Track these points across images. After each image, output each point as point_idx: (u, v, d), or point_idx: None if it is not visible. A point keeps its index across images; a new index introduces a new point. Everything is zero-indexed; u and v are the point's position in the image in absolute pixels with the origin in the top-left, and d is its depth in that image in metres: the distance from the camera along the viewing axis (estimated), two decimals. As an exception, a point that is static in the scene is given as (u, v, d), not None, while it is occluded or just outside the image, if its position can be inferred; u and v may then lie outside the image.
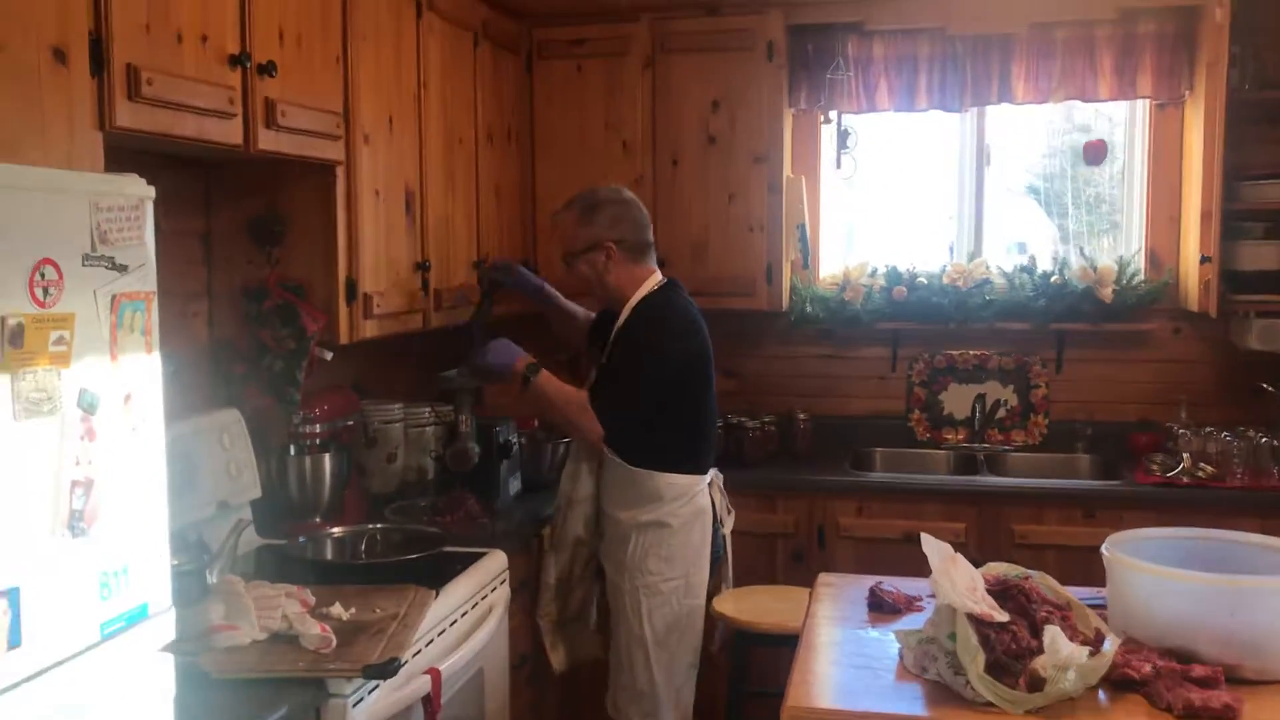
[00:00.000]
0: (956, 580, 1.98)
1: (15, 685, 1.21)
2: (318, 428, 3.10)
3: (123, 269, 1.40)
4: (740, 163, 4.03)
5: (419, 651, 2.32)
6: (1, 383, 1.22)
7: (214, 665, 1.99)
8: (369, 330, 2.99)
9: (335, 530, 2.81)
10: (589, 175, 3.87)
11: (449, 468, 3.26)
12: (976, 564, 2.18)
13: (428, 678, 2.27)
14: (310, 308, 2.87)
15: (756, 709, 3.26)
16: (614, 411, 3.01)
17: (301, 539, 2.72)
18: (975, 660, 1.88)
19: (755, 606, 3.11)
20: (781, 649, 3.08)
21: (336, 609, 2.27)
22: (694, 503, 3.11)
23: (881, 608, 2.39)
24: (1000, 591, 2.04)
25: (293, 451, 3.12)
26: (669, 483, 3.06)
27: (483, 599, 2.70)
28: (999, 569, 2.16)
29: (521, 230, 4.16)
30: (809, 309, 4.23)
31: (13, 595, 1.21)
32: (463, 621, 2.58)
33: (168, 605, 1.49)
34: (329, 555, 2.76)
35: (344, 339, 2.91)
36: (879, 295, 4.22)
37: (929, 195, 4.41)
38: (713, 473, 3.23)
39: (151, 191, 1.48)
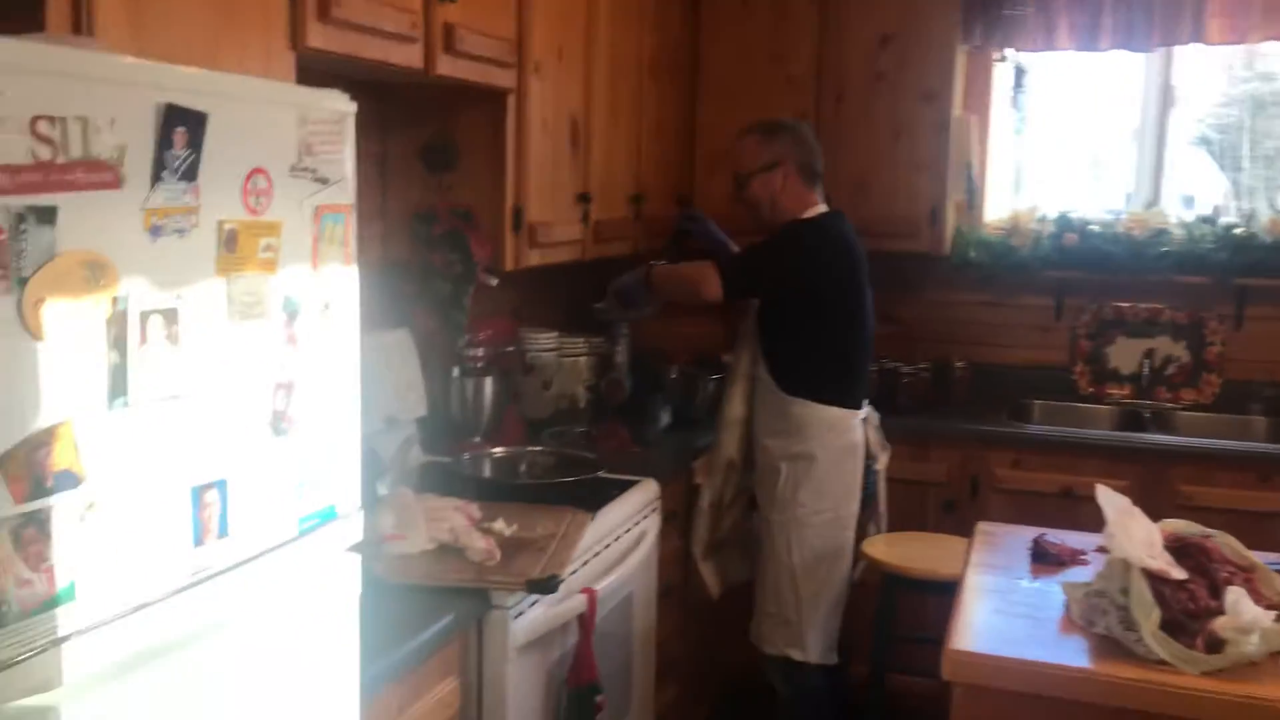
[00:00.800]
0: (1133, 534, 1.91)
1: (223, 572, 1.28)
2: (480, 352, 3.17)
3: (324, 181, 1.45)
4: (908, 100, 3.92)
5: (576, 571, 2.36)
6: (218, 286, 1.27)
7: (386, 571, 2.07)
8: (533, 259, 3.04)
9: (496, 451, 2.89)
10: (751, 111, 3.80)
11: (603, 398, 3.30)
12: (1149, 520, 2.10)
13: (584, 597, 2.32)
14: (478, 234, 2.93)
15: (903, 654, 3.25)
16: (734, 275, 3.05)
17: (465, 456, 2.80)
18: (1150, 617, 1.83)
19: (906, 551, 3.08)
20: (930, 596, 3.07)
21: (500, 525, 2.33)
22: (846, 437, 3.10)
23: (1045, 559, 2.33)
24: (1178, 549, 1.97)
25: (457, 373, 3.20)
26: (820, 414, 3.07)
27: (635, 525, 2.74)
28: (1177, 525, 2.08)
29: (680, 167, 4.14)
30: (972, 254, 4.12)
31: (221, 487, 1.28)
32: (616, 546, 2.63)
33: (356, 507, 1.55)
34: (491, 474, 2.84)
35: (509, 265, 2.95)
36: (1047, 242, 4.07)
37: (1104, 139, 4.21)
38: (868, 409, 3.22)
39: (353, 107, 1.52)
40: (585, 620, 2.31)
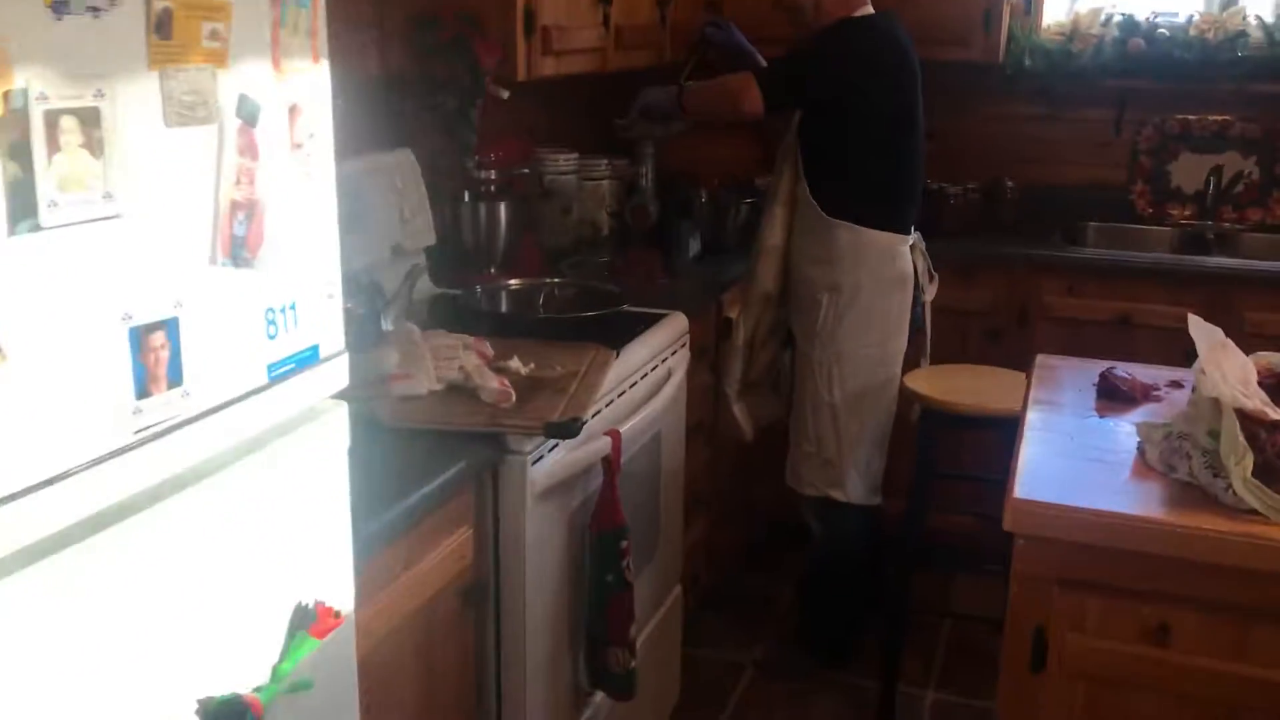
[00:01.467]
0: (1227, 371, 1.69)
1: (177, 427, 1.08)
2: (493, 175, 2.92)
3: (283, -46, 1.19)
4: (963, -112, 3.52)
5: (599, 412, 2.18)
6: (149, 81, 1.03)
7: (389, 414, 1.89)
8: (548, 68, 2.75)
9: (512, 283, 2.67)
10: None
11: (627, 225, 3.05)
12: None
13: (608, 439, 2.13)
14: (485, 40, 2.64)
15: (948, 490, 3.09)
16: (773, 83, 2.81)
17: (478, 289, 2.58)
18: (1242, 462, 1.62)
19: (951, 385, 2.88)
20: (974, 431, 2.88)
21: (515, 363, 2.14)
22: (894, 265, 2.87)
23: (1114, 396, 2.12)
24: (1275, 385, 1.75)
25: (467, 198, 2.96)
26: (868, 240, 2.84)
27: (663, 362, 2.54)
28: (1271, 359, 1.85)
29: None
30: (1027, 61, 3.77)
31: (171, 327, 1.07)
32: (642, 384, 2.43)
33: (340, 349, 1.35)
34: (506, 308, 2.63)
35: (521, 75, 2.68)
36: (1111, 47, 3.72)
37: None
38: (915, 235, 2.96)
39: None
40: (610, 463, 2.13)
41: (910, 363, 3.01)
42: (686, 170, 3.72)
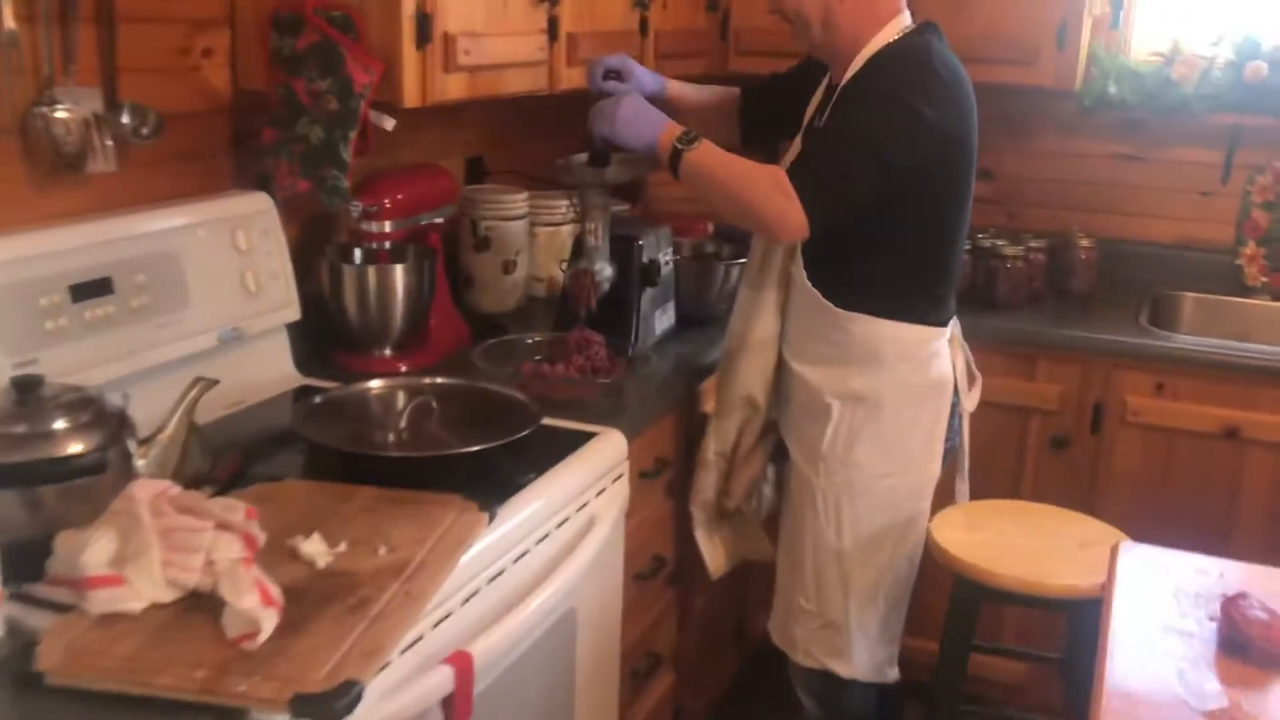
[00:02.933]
0: None
1: None
2: (388, 226, 2.19)
3: None
4: None
5: (446, 618, 1.44)
6: None
7: (58, 661, 1.17)
8: (452, 89, 2.02)
9: (374, 385, 1.91)
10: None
11: (567, 298, 2.31)
12: None
13: (450, 671, 1.39)
14: (360, 50, 1.91)
15: (985, 667, 2.31)
16: (829, 189, 1.91)
17: (318, 398, 1.84)
18: None
19: (996, 539, 2.10)
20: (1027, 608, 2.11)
21: (313, 544, 1.41)
22: (929, 368, 2.11)
23: (1243, 651, 1.33)
24: None
25: (359, 258, 2.24)
26: (894, 335, 2.07)
27: (579, 509, 1.79)
28: None
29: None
30: (1112, 89, 2.97)
31: None
32: (539, 550, 1.69)
33: None
34: (348, 427, 1.82)
35: (410, 100, 1.95)
36: (1221, 75, 2.90)
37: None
38: (953, 324, 2.18)
39: None
40: (453, 704, 1.40)
41: (942, 491, 2.23)
42: (660, 210, 2.98)
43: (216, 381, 1.58)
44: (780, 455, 2.29)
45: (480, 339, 2.36)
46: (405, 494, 1.58)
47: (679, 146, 1.97)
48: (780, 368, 2.21)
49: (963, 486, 2.31)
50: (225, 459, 1.68)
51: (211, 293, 1.91)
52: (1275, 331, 2.94)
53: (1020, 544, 2.06)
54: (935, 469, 2.17)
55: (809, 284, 2.08)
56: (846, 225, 1.97)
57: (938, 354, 2.12)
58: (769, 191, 1.90)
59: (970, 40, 2.78)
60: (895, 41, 2.01)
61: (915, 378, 2.09)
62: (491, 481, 1.66)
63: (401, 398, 1.86)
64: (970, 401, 2.24)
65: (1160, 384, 2.62)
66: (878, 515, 2.13)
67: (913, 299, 2.07)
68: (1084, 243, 2.98)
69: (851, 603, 2.16)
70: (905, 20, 2.06)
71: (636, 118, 2.02)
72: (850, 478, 2.12)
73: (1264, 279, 3.02)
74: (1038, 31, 2.80)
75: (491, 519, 1.55)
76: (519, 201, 2.64)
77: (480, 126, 2.81)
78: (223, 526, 1.32)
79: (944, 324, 2.13)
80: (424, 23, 1.92)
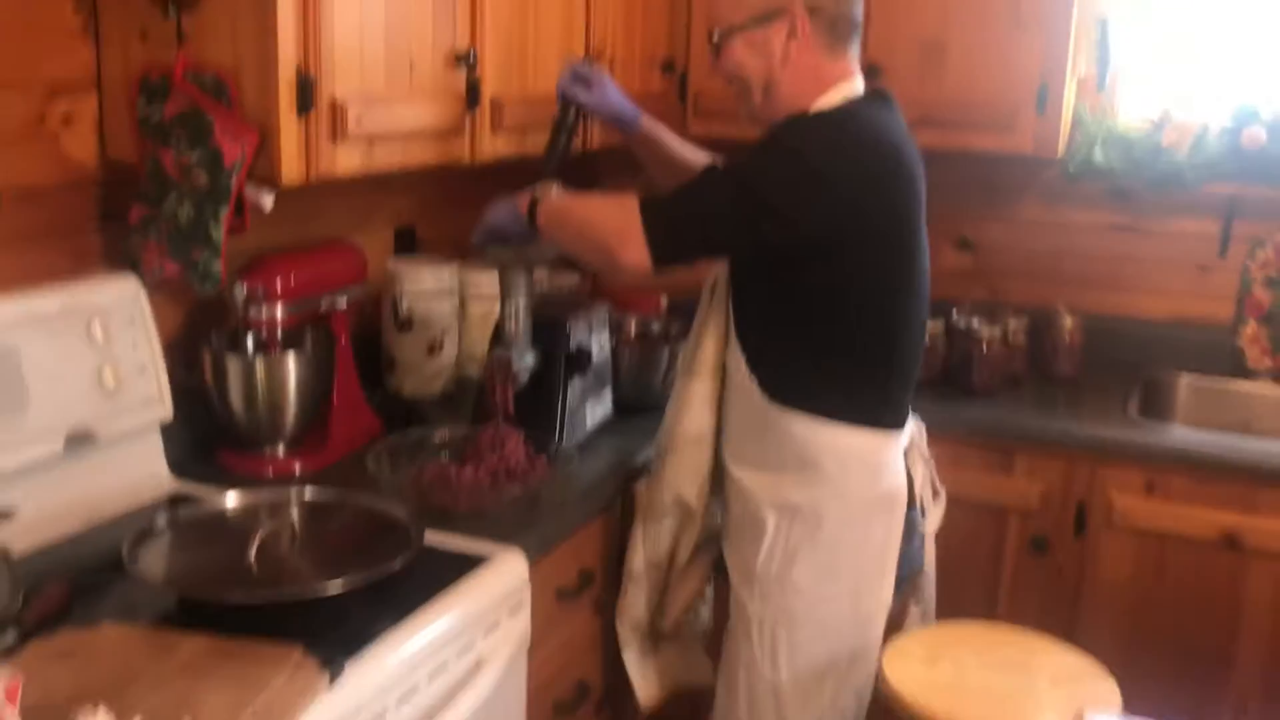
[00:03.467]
0: None
1: None
2: (280, 310, 1.97)
3: None
4: (1012, -85, 2.53)
5: (266, 811, 1.19)
6: None
7: None
8: (344, 162, 1.80)
9: (232, 502, 1.66)
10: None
11: (484, 390, 2.07)
12: None
13: None
14: (231, 118, 1.70)
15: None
16: (679, 223, 1.74)
17: (167, 518, 1.59)
18: None
19: (952, 679, 1.82)
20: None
21: (96, 718, 1.16)
22: (878, 479, 1.86)
23: None
24: None
25: (249, 346, 2.01)
26: (836, 441, 1.82)
27: (462, 654, 1.54)
28: None
29: (670, 15, 2.81)
30: (1099, 156, 2.74)
31: None
32: (402, 713, 1.43)
33: None
34: (192, 555, 1.55)
35: (290, 176, 1.72)
36: (1217, 142, 2.67)
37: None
38: (912, 425, 1.94)
39: None
40: None
41: (898, 618, 1.98)
42: (608, 287, 2.75)
43: (11, 512, 1.34)
44: (722, 571, 2.04)
45: (395, 429, 2.13)
46: (238, 646, 1.34)
47: (534, 198, 1.88)
48: (720, 470, 1.97)
49: (921, 617, 2.06)
50: (44, 595, 1.44)
51: (57, 392, 1.68)
52: (1275, 419, 2.69)
53: (983, 682, 1.79)
54: (886, 597, 1.91)
55: (746, 372, 1.85)
56: (773, 309, 1.79)
57: (889, 464, 1.86)
58: (613, 216, 1.78)
59: (943, 104, 2.60)
60: (821, 111, 1.79)
61: (861, 490, 1.84)
62: (348, 627, 1.41)
63: (263, 518, 1.61)
64: (933, 521, 1.99)
65: (1151, 482, 2.37)
66: (818, 646, 1.88)
67: (858, 398, 1.83)
68: (1069, 321, 2.73)
69: None
70: (855, 88, 1.85)
71: (502, 202, 1.94)
72: (788, 603, 1.87)
73: (1268, 361, 2.77)
74: (1016, 95, 2.58)
75: (334, 679, 1.30)
76: (446, 276, 2.42)
77: (412, 193, 2.60)
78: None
79: (897, 428, 1.88)
80: (306, 86, 1.70)
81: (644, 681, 2.08)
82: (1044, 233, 2.95)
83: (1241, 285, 2.80)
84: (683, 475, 1.96)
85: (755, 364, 1.85)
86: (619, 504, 2.11)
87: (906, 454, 1.91)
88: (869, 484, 1.84)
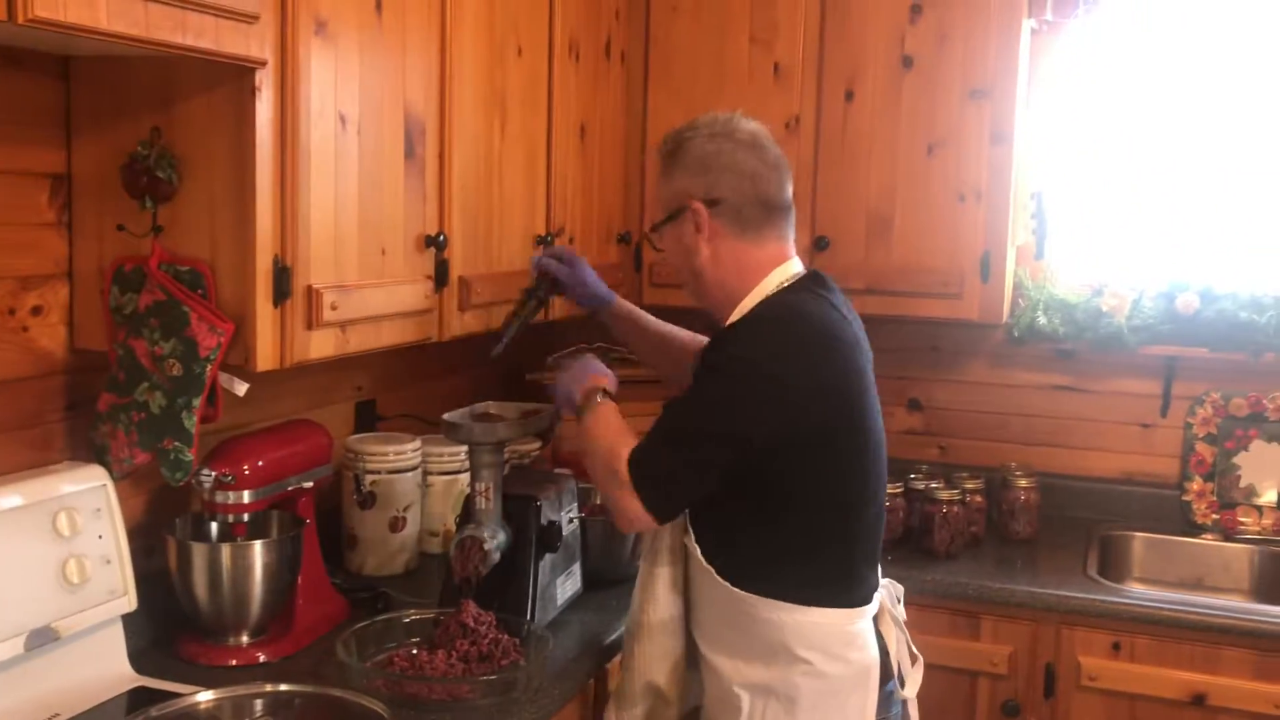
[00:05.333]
0: None
1: None
2: (246, 496, 1.93)
3: None
4: (950, 98, 2.67)
5: None
6: None
7: None
8: (318, 347, 1.81)
9: (204, 699, 1.61)
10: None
11: (450, 572, 2.04)
12: None
13: None
14: (208, 309, 1.70)
15: None
16: (673, 479, 1.75)
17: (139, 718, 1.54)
18: None
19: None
20: None
21: None
22: (848, 655, 1.83)
23: None
24: None
25: (215, 531, 1.97)
26: (802, 621, 1.80)
27: None
28: None
29: (625, 191, 2.91)
30: (1042, 319, 2.85)
31: None
32: None
33: None
34: None
35: (265, 363, 1.72)
36: (1152, 306, 2.80)
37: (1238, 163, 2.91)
38: (884, 590, 1.94)
39: None
40: None
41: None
42: (568, 456, 2.75)
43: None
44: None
45: (361, 612, 2.09)
46: None
47: (587, 403, 1.89)
48: (694, 650, 1.95)
49: None
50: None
51: (19, 590, 1.62)
52: (1231, 575, 2.75)
53: None
54: None
55: (703, 561, 1.83)
56: (726, 498, 1.78)
57: (857, 637, 1.83)
58: (610, 478, 1.77)
59: (891, 273, 2.69)
60: (758, 306, 1.82)
61: (833, 668, 1.80)
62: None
63: (235, 713, 1.56)
64: (912, 686, 1.97)
65: (1117, 643, 2.39)
66: None
67: (821, 580, 1.81)
68: (1023, 481, 2.79)
69: None
70: (791, 269, 1.87)
71: (580, 369, 1.97)
72: None
73: (1214, 516, 2.84)
74: (960, 263, 2.68)
75: None
76: (408, 451, 2.41)
77: (373, 367, 2.61)
78: None
79: (865, 603, 1.86)
80: (282, 277, 1.72)
81: None
82: (991, 393, 3.03)
83: (1185, 443, 2.89)
84: (653, 662, 1.92)
85: (712, 554, 1.83)
86: (592, 686, 2.07)
87: (878, 621, 1.90)
88: (841, 661, 1.81)
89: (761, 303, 1.82)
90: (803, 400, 1.74)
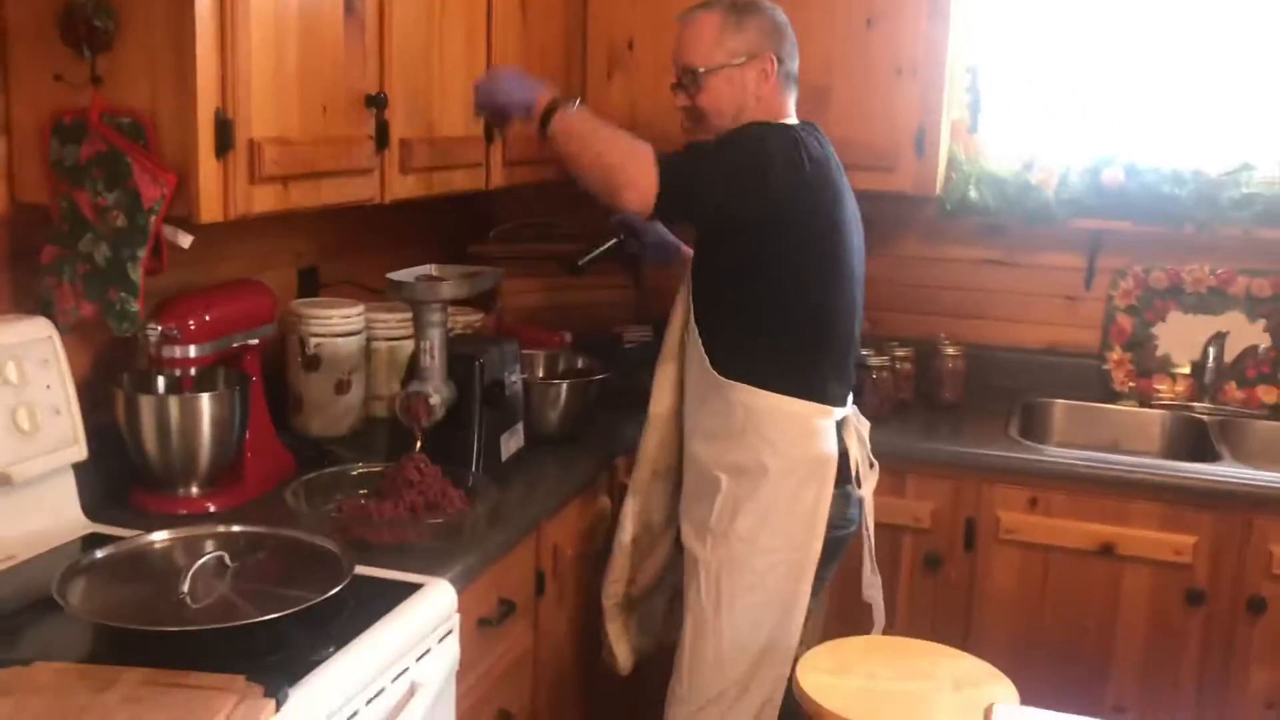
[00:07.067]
0: None
1: None
2: (192, 350, 1.97)
3: None
4: (888, -31, 2.70)
5: (217, 836, 1.21)
6: None
7: None
8: (260, 201, 1.83)
9: (157, 538, 1.67)
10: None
11: (400, 423, 2.11)
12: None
13: None
14: (150, 160, 1.71)
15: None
16: (687, 172, 2.05)
17: (86, 557, 1.59)
18: None
19: (865, 687, 1.92)
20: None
21: (45, 758, 1.16)
22: (810, 443, 2.10)
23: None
24: None
25: (161, 385, 2.01)
26: (774, 407, 2.09)
27: (396, 679, 1.57)
28: None
29: (565, 64, 2.91)
30: (974, 194, 2.92)
31: None
32: (345, 732, 1.46)
33: None
34: (122, 591, 1.55)
35: (209, 215, 1.74)
36: (1080, 180, 2.88)
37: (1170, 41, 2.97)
38: (851, 410, 2.22)
39: None
40: None
41: (851, 583, 2.22)
42: (512, 324, 2.81)
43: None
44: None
45: (308, 469, 2.14)
46: (180, 676, 1.34)
47: (555, 100, 2.11)
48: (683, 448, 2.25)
49: (873, 577, 2.30)
50: (-32, 637, 1.42)
51: (-25, 432, 1.66)
52: (1145, 438, 2.89)
53: (892, 689, 1.90)
54: (816, 548, 2.13)
55: (701, 350, 2.14)
56: (721, 294, 2.12)
57: (819, 431, 2.11)
58: (630, 157, 2.03)
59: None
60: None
61: (794, 451, 2.09)
62: (287, 655, 1.43)
63: (191, 552, 1.62)
64: (869, 486, 2.23)
65: (1034, 499, 2.52)
66: (755, 595, 2.10)
67: (792, 373, 2.11)
68: (951, 351, 2.90)
69: (728, 691, 2.12)
70: (794, 120, 2.23)
71: (519, 81, 2.17)
72: (732, 550, 2.11)
73: (1131, 384, 2.97)
74: (896, 137, 2.73)
75: (280, 705, 1.32)
76: (353, 316, 2.45)
77: (314, 234, 2.63)
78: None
79: (828, 403, 2.13)
80: (225, 129, 1.73)
81: (618, 643, 2.32)
82: (924, 267, 3.11)
83: (1106, 314, 3.00)
84: (651, 449, 2.29)
85: (709, 344, 2.14)
86: (534, 537, 2.16)
87: (842, 429, 2.15)
88: (802, 446, 2.09)
89: None
90: (786, 178, 2.04)
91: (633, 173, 2.01)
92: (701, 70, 2.16)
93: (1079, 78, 2.95)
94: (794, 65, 2.23)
